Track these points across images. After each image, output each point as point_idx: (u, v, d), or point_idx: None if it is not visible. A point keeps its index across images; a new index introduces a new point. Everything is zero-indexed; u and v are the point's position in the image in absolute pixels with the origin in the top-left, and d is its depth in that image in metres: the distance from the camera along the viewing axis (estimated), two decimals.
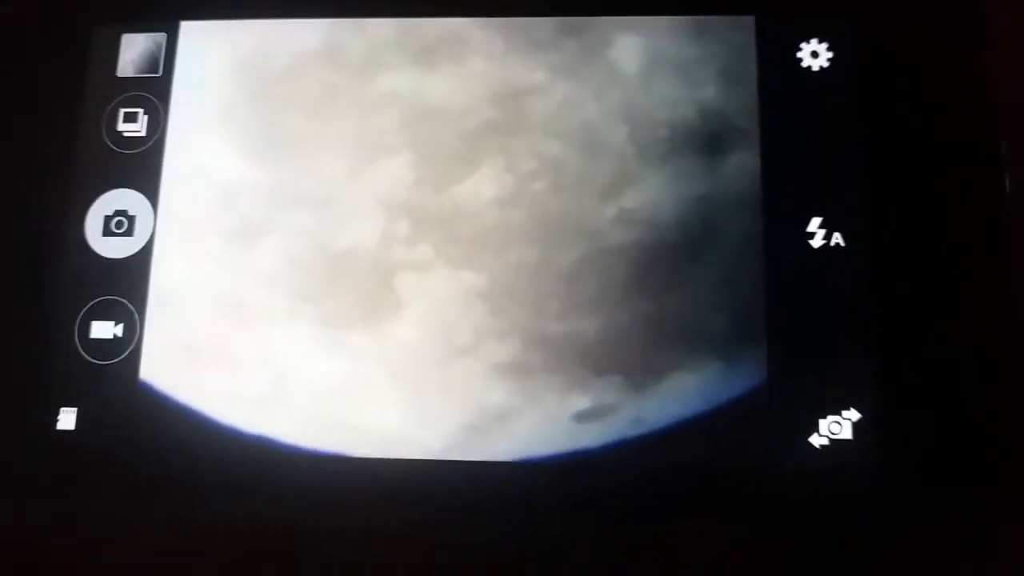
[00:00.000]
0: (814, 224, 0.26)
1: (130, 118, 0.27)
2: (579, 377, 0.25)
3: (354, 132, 0.27)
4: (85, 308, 0.26)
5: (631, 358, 0.25)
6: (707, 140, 0.26)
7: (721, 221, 0.26)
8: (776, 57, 0.27)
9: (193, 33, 0.28)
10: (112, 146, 0.27)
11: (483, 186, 0.27)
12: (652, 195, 0.26)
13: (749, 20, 0.27)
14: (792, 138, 0.26)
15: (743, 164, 0.26)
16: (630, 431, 0.25)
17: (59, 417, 0.26)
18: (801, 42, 0.27)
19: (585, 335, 0.26)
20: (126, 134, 0.27)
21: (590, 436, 0.25)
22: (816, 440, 0.25)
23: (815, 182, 0.26)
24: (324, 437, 0.25)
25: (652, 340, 0.25)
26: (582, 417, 0.25)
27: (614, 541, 0.25)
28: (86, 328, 0.26)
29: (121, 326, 0.26)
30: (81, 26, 0.28)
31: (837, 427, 0.25)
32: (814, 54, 0.27)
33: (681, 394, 0.25)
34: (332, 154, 0.27)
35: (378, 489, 0.25)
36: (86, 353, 0.26)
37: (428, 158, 0.27)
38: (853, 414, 0.25)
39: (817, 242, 0.26)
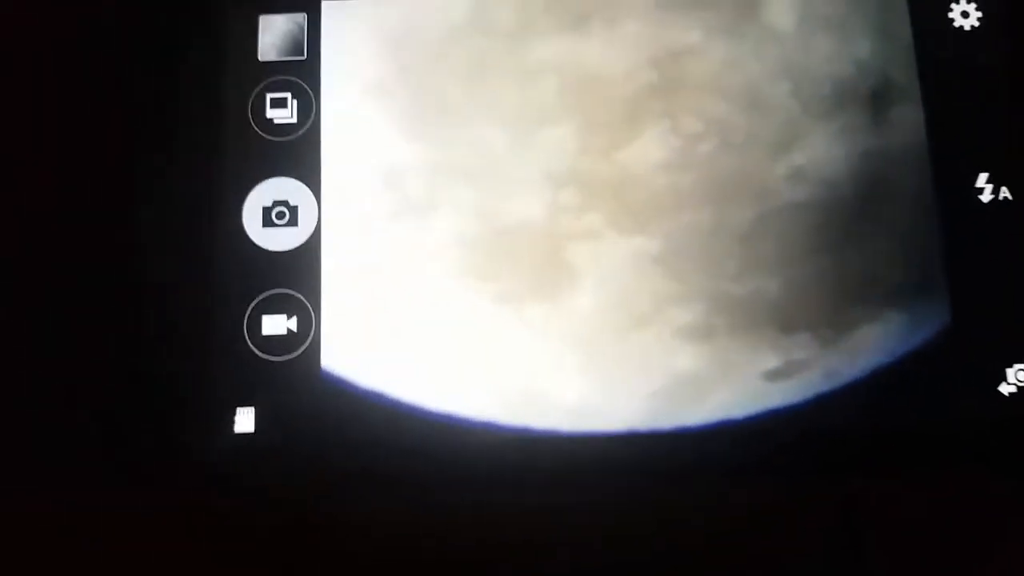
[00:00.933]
0: (982, 179, 0.26)
1: (278, 104, 0.26)
2: (766, 336, 0.25)
3: (512, 103, 0.26)
4: (253, 304, 0.25)
5: (816, 314, 0.25)
6: (869, 96, 0.26)
7: (890, 175, 0.26)
8: (929, 17, 0.27)
9: (335, 12, 0.27)
10: (262, 133, 0.26)
11: (649, 150, 0.26)
12: (821, 151, 0.26)
13: None
14: (953, 95, 0.26)
15: (907, 121, 0.26)
16: (822, 387, 0.25)
17: (236, 419, 0.25)
18: (951, 2, 0.27)
19: (768, 294, 0.25)
20: (276, 121, 0.26)
21: (782, 394, 0.25)
22: (1004, 388, 0.25)
23: (979, 138, 0.26)
24: (513, 412, 0.25)
25: (835, 294, 0.25)
26: (773, 376, 0.25)
27: (816, 497, 0.25)
28: (256, 324, 0.25)
29: (295, 319, 0.25)
30: (216, 8, 0.26)
31: None
32: (964, 14, 0.27)
33: (869, 346, 0.25)
34: (492, 126, 0.26)
35: (577, 463, 0.25)
36: (259, 350, 0.25)
37: (590, 125, 0.26)
38: None
39: (986, 196, 0.26)
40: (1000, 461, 0.25)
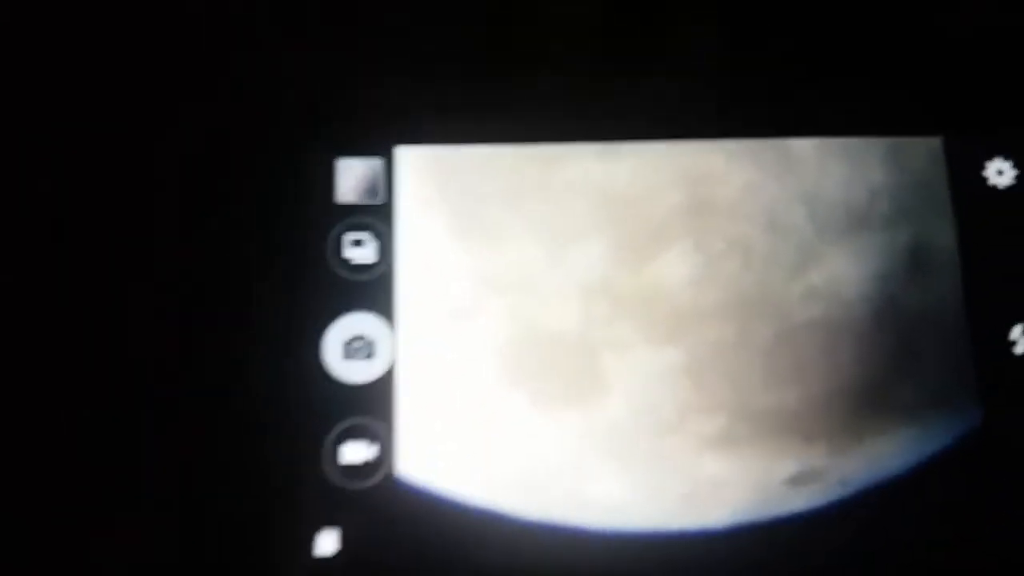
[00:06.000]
0: (1016, 331, 0.28)
1: (357, 244, 0.28)
2: (787, 445, 0.27)
3: (549, 220, 0.28)
4: (333, 433, 0.27)
5: (834, 424, 0.27)
6: (904, 247, 0.28)
7: (920, 307, 0.28)
8: (964, 175, 0.29)
9: (409, 158, 0.29)
10: (341, 272, 0.28)
11: (675, 266, 0.28)
12: (838, 272, 0.28)
13: (936, 141, 0.29)
14: (989, 252, 0.28)
15: (941, 259, 0.28)
16: (839, 493, 0.27)
17: (318, 543, 0.26)
18: (986, 160, 0.29)
19: (788, 405, 0.27)
20: (355, 261, 0.28)
21: (801, 499, 0.27)
22: None
23: (1015, 291, 0.28)
24: (564, 513, 0.27)
25: (853, 407, 0.27)
26: (792, 482, 0.27)
27: None
28: (336, 452, 0.27)
29: (376, 447, 0.27)
30: (293, 151, 0.28)
31: None
32: (999, 172, 0.29)
33: (886, 456, 0.27)
34: (531, 243, 0.28)
35: (616, 561, 0.26)
36: (339, 477, 0.27)
37: (621, 241, 0.28)
38: None
39: (1020, 348, 0.28)
40: None
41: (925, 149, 0.29)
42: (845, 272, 0.28)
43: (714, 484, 0.27)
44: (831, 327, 0.28)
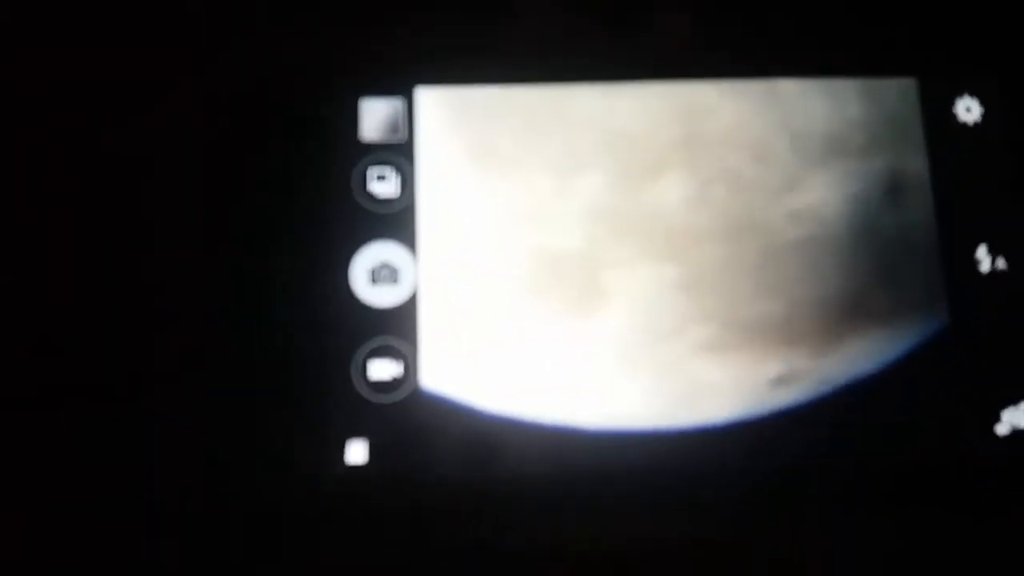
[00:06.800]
0: (981, 251, 0.31)
1: (381, 179, 0.31)
2: (772, 349, 0.30)
3: (558, 151, 0.31)
4: (362, 352, 0.29)
5: (815, 331, 0.30)
6: (881, 175, 0.31)
7: (898, 237, 0.31)
8: (936, 112, 0.32)
9: (428, 98, 0.31)
10: (366, 205, 0.31)
11: (671, 193, 0.31)
12: (817, 196, 0.31)
13: (911, 81, 0.32)
14: (958, 181, 0.31)
15: (916, 197, 0.31)
16: (819, 391, 0.30)
17: (347, 452, 0.29)
18: (956, 98, 0.32)
19: (773, 314, 0.30)
20: (379, 195, 0.31)
21: (786, 398, 0.30)
22: (999, 429, 0.30)
23: (981, 215, 0.31)
24: (574, 415, 0.29)
25: (832, 315, 0.30)
26: (778, 382, 0.30)
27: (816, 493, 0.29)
28: (364, 369, 0.29)
29: (401, 364, 0.29)
30: (320, 92, 0.31)
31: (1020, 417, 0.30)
32: (967, 109, 0.32)
33: (861, 359, 0.30)
34: (540, 172, 0.31)
35: (625, 458, 0.29)
36: (368, 391, 0.29)
37: (622, 172, 0.31)
38: None
39: (984, 266, 0.31)
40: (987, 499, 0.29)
41: (900, 88, 0.32)
42: (825, 196, 0.31)
43: (709, 385, 0.30)
44: (813, 245, 0.31)
